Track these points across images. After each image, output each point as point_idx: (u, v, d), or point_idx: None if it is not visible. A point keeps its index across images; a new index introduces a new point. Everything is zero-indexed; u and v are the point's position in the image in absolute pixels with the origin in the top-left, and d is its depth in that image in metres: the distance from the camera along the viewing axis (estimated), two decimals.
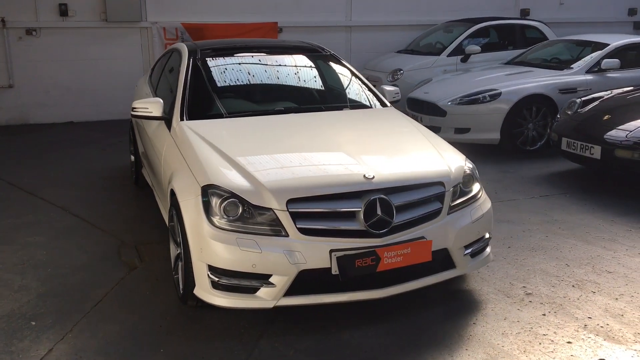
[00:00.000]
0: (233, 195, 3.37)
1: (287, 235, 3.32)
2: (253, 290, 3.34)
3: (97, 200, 6.02)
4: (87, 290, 4.07)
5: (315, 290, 3.40)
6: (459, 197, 3.77)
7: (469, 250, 3.76)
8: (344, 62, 5.31)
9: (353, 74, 5.21)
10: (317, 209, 3.37)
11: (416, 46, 11.06)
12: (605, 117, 6.30)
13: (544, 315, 3.67)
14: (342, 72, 5.25)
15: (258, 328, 3.54)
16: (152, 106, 4.49)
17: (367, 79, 10.17)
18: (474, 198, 3.86)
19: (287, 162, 3.72)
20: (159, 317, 3.70)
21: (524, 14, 12.96)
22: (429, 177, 3.66)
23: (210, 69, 4.97)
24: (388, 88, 5.22)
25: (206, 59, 5.00)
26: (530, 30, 10.87)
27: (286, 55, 5.31)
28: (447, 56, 10.12)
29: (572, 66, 8.20)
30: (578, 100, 6.85)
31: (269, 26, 11.10)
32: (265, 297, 3.33)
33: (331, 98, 4.99)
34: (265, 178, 3.44)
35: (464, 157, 4.03)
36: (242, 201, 3.36)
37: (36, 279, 4.24)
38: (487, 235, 3.97)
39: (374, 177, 3.46)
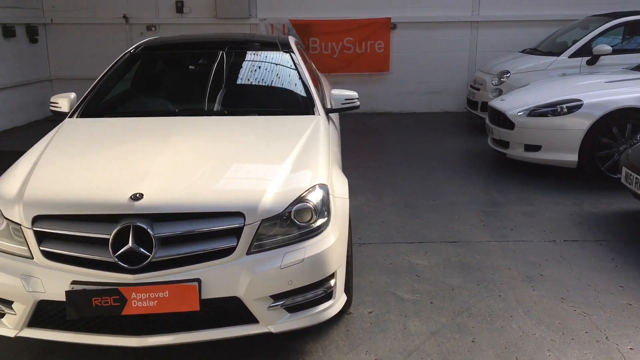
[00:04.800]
0: None
1: (32, 257, 2.87)
2: (0, 316, 2.97)
3: None
4: None
5: (65, 326, 2.90)
6: (281, 233, 2.95)
7: (281, 302, 2.93)
8: (297, 62, 4.55)
9: (301, 75, 4.43)
10: (63, 230, 2.86)
11: (549, 45, 9.40)
12: None
13: None
14: (289, 73, 4.53)
15: (33, 356, 3.15)
16: (61, 101, 4.32)
17: (474, 81, 9.13)
18: (307, 235, 2.99)
19: (74, 173, 3.23)
20: None
21: None
22: (221, 205, 2.90)
23: (141, 65, 4.66)
24: (337, 92, 4.38)
25: (144, 53, 4.69)
26: None
27: (236, 53, 4.74)
28: (569, 57, 8.44)
29: None
30: None
31: (381, 22, 10.37)
32: (8, 325, 2.95)
33: (247, 102, 4.31)
34: (30, 190, 3.03)
35: (319, 182, 3.14)
36: (2, 214, 2.99)
37: None
38: (331, 283, 3.07)
39: (141, 198, 2.84)
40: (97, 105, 4.27)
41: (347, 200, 3.37)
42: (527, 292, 3.78)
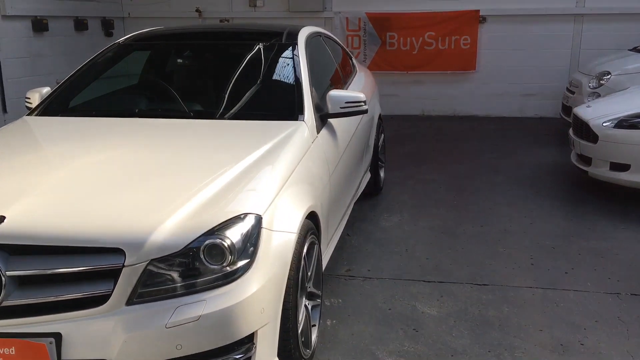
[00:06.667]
0: None
1: None
2: None
3: None
4: None
5: None
6: (181, 277, 2.23)
7: None
8: (296, 58, 3.77)
9: (296, 74, 3.65)
10: None
11: None
12: None
13: None
14: (284, 71, 3.78)
15: None
16: (33, 96, 3.87)
17: (570, 83, 7.86)
18: (216, 282, 2.25)
19: None
20: None
21: None
22: (94, 238, 2.22)
23: (128, 58, 4.09)
24: (336, 94, 3.56)
25: (132, 45, 4.13)
26: None
27: (229, 46, 4.06)
28: None
29: None
30: None
31: (468, 15, 9.26)
32: None
33: (221, 103, 3.56)
34: None
35: (250, 211, 2.40)
36: None
37: None
38: (250, 347, 2.31)
39: (1, 223, 2.23)
40: (63, 102, 3.76)
41: (293, 236, 2.58)
42: None
